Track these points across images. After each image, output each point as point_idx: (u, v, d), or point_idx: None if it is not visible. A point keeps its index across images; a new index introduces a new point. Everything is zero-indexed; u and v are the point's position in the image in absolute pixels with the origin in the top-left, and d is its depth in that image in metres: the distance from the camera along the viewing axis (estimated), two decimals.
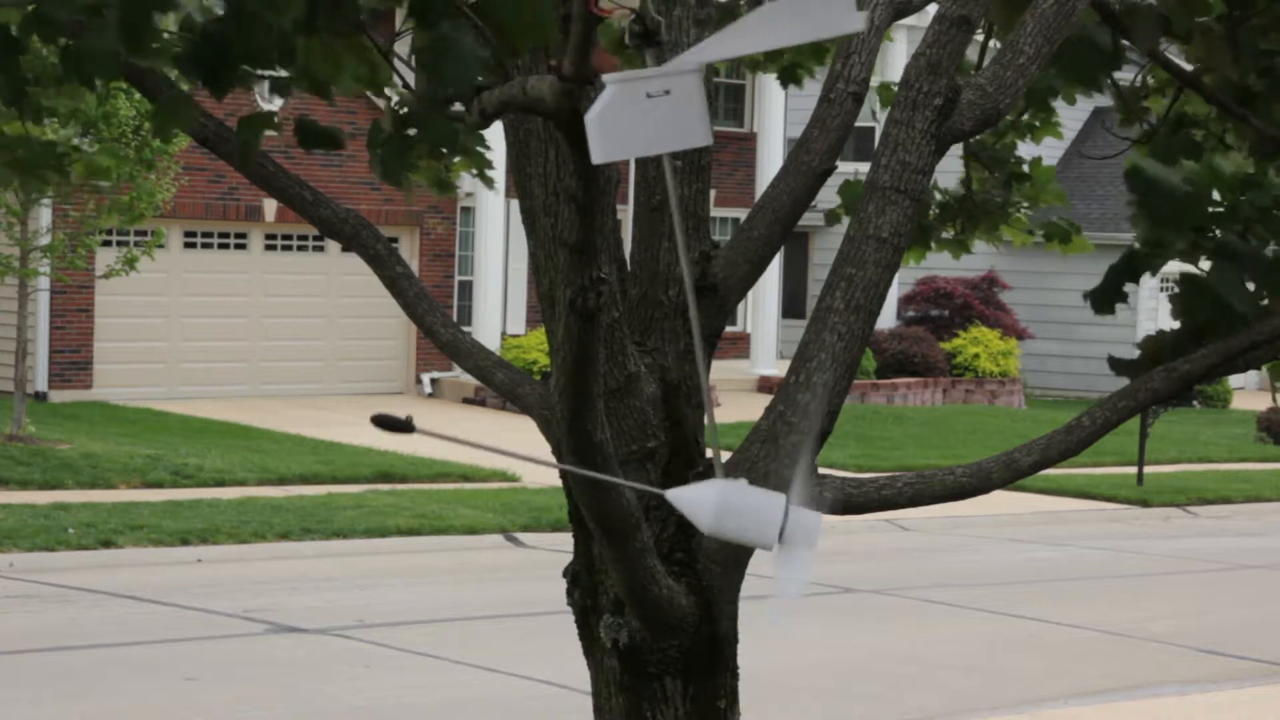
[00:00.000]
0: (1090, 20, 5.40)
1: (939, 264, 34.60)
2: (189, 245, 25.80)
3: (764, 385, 30.19)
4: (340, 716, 10.43)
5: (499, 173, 27.58)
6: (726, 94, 32.36)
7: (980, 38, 6.04)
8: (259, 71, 4.08)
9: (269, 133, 4.37)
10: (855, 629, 13.65)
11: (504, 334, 28.37)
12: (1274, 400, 5.62)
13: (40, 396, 23.95)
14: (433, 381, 27.87)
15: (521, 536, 16.94)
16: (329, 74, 4.02)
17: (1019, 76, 4.61)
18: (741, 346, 31.83)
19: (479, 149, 5.29)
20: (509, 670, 11.52)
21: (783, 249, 8.04)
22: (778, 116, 31.14)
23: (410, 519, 16.89)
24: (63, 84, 4.10)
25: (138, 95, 17.74)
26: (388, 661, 11.70)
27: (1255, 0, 5.39)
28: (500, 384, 4.82)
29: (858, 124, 5.13)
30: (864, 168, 6.90)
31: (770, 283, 30.88)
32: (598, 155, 3.02)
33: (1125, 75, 6.18)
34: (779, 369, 29.70)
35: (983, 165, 7.23)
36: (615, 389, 4.39)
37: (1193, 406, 34.90)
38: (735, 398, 28.23)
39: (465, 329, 7.27)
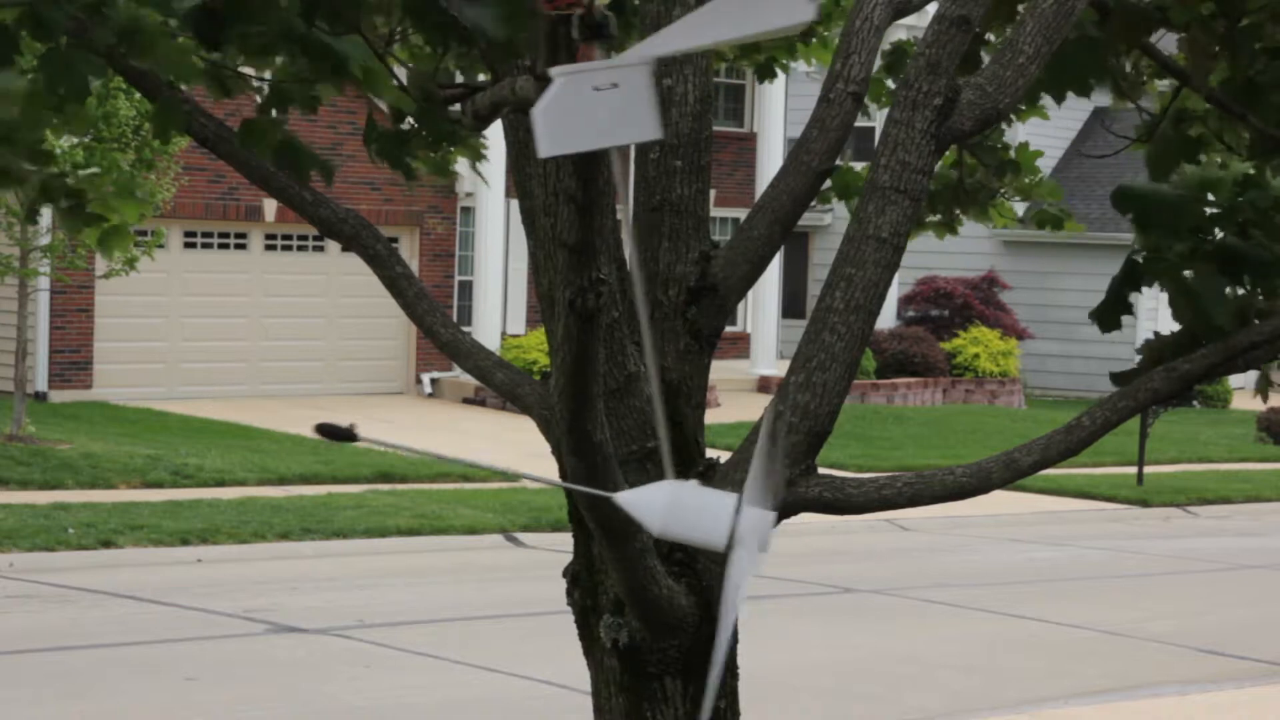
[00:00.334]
0: (1088, 18, 5.40)
1: (939, 264, 34.65)
2: (189, 245, 25.80)
3: (764, 385, 30.19)
4: (340, 716, 10.43)
5: (499, 173, 27.67)
6: (726, 94, 32.37)
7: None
8: (255, 77, 4.07)
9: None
10: (855, 629, 13.64)
11: (504, 334, 28.37)
12: (1263, 399, 5.61)
13: (40, 396, 23.95)
14: (433, 381, 27.87)
15: (521, 536, 16.94)
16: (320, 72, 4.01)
17: (1019, 76, 4.61)
18: (741, 346, 31.83)
19: (474, 140, 5.30)
20: (509, 670, 11.52)
21: (783, 249, 8.04)
22: (778, 116, 31.14)
23: (410, 519, 16.89)
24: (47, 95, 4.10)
25: (138, 95, 17.75)
26: (388, 661, 11.70)
27: None
28: (500, 384, 4.82)
29: (858, 124, 5.13)
30: (859, 167, 6.90)
31: (770, 283, 30.88)
32: (544, 148, 3.02)
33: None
34: (779, 369, 29.70)
35: (973, 153, 7.23)
36: (615, 389, 4.39)
37: (1193, 406, 34.90)
38: (735, 398, 28.23)
39: (465, 329, 7.27)
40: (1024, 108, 7.06)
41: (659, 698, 4.56)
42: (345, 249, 5.05)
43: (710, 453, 4.72)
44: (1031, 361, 35.70)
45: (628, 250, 4.65)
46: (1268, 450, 28.60)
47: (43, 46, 4.00)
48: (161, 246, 21.71)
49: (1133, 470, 23.74)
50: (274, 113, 4.37)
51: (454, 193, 27.73)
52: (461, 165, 5.16)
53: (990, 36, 6.15)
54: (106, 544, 15.07)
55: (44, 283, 22.67)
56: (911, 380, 32.02)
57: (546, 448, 4.56)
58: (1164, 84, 6.28)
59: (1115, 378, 4.94)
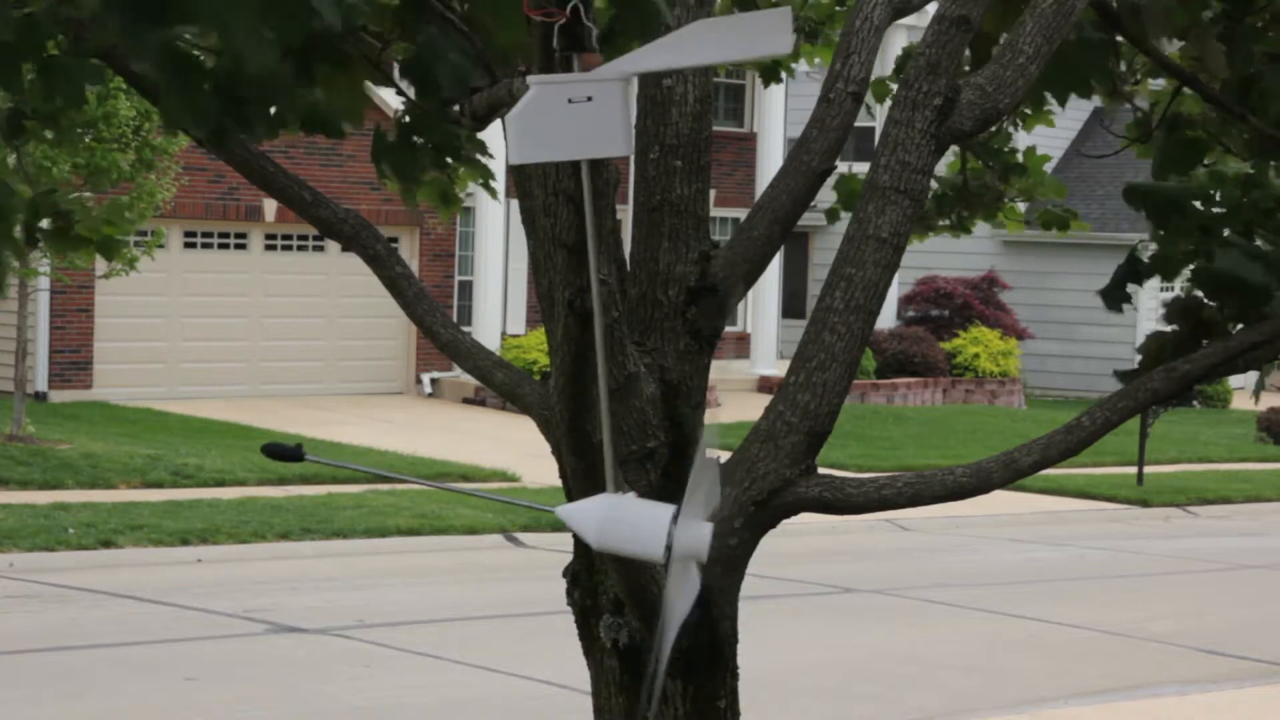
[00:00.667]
0: (1087, 18, 5.40)
1: (939, 264, 34.66)
2: (189, 245, 25.80)
3: (764, 385, 30.19)
4: (340, 716, 10.43)
5: (499, 173, 27.59)
6: (726, 94, 32.38)
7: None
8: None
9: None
10: (855, 629, 13.65)
11: (504, 334, 28.37)
12: (1256, 399, 5.62)
13: (40, 396, 23.95)
14: (433, 381, 27.87)
15: (521, 536, 16.94)
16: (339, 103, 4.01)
17: (1019, 76, 4.61)
18: (741, 346, 31.83)
19: (480, 157, 5.29)
20: (509, 670, 11.52)
21: (783, 249, 8.05)
22: (778, 116, 31.14)
23: (410, 519, 16.90)
24: (48, 100, 4.10)
25: (138, 95, 17.75)
26: (388, 661, 11.70)
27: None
28: (500, 384, 4.82)
29: (858, 124, 5.13)
30: (860, 167, 6.92)
31: (770, 283, 30.88)
32: (514, 155, 3.02)
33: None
34: (779, 369, 29.71)
35: (977, 156, 7.23)
36: (615, 389, 4.39)
37: (1193, 406, 34.90)
38: (735, 398, 28.24)
39: (465, 329, 7.27)
40: (1030, 112, 7.07)
41: (659, 698, 4.56)
42: (345, 249, 5.05)
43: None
44: (1031, 361, 35.70)
45: (628, 249, 4.66)
46: (1268, 450, 28.61)
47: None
48: (161, 246, 21.72)
49: (1133, 470, 23.74)
50: None
51: (490, 186, 27.71)
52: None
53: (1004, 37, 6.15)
54: (106, 544, 15.08)
55: (44, 283, 22.68)
56: (911, 380, 32.02)
57: (546, 448, 4.56)
58: (1157, 83, 6.29)
59: (1120, 376, 4.95)
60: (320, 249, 26.68)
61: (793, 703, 11.10)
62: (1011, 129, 7.38)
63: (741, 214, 25.02)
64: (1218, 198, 5.12)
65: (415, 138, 4.68)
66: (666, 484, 4.58)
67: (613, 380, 4.38)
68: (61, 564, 14.45)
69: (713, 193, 6.51)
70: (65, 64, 3.98)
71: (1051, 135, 35.34)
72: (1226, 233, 5.07)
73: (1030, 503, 21.50)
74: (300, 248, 26.80)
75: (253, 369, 26.45)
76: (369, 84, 4.56)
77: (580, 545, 4.66)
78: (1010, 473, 4.62)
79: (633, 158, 4.80)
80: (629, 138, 3.02)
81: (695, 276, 4.66)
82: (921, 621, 14.10)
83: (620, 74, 2.99)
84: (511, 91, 3.54)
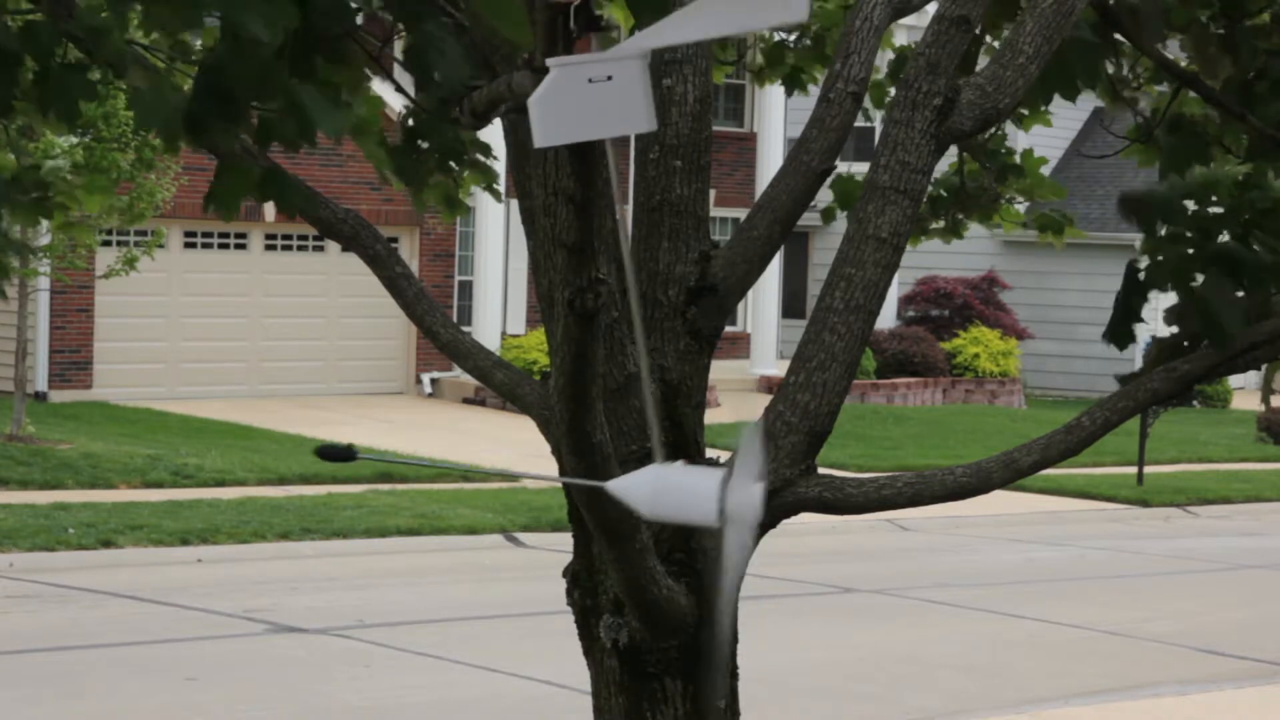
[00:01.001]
0: (1087, 19, 5.40)
1: (939, 264, 34.65)
2: (189, 245, 25.80)
3: (764, 385, 30.18)
4: (340, 716, 10.43)
5: (500, 174, 27.57)
6: (726, 94, 32.37)
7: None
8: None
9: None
10: (855, 629, 13.65)
11: (504, 334, 28.37)
12: (1265, 405, 5.63)
13: (40, 396, 23.95)
14: (433, 381, 27.87)
15: (521, 536, 16.94)
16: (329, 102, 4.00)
17: (1019, 76, 4.61)
18: (741, 346, 31.83)
19: (484, 160, 5.29)
20: (509, 670, 11.52)
21: (783, 249, 8.03)
22: (778, 116, 31.13)
23: (410, 519, 16.89)
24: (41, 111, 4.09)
25: None
26: (388, 661, 11.70)
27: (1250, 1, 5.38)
28: (500, 384, 4.82)
29: (858, 124, 5.13)
30: (858, 167, 6.91)
31: (770, 283, 30.87)
32: (539, 139, 3.03)
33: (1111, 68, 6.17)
34: (779, 369, 29.70)
35: (975, 157, 7.22)
36: (615, 389, 4.39)
37: (1193, 406, 34.90)
38: (735, 398, 28.23)
39: (465, 329, 7.27)
40: (1026, 113, 7.06)
41: (659, 698, 4.56)
42: (345, 249, 5.05)
43: (710, 453, 4.72)
44: (1031, 361, 35.70)
45: (625, 250, 4.65)
46: (1268, 450, 28.60)
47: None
48: (161, 246, 21.72)
49: (1133, 470, 23.74)
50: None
51: (494, 189, 27.71)
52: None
53: (989, 39, 6.15)
54: (106, 544, 15.07)
55: (44, 283, 22.66)
56: (911, 380, 32.02)
57: (547, 448, 4.56)
58: (1160, 87, 6.28)
59: (1122, 380, 4.94)
60: (320, 249, 26.67)
61: (793, 703, 11.10)
62: (1009, 130, 7.37)
63: (741, 214, 25.01)
64: (1213, 199, 5.11)
65: (420, 141, 4.67)
66: None
67: (612, 380, 4.38)
68: (61, 564, 14.45)
69: (713, 193, 6.50)
70: (59, 77, 3.97)
71: (1051, 135, 35.33)
72: (1222, 237, 5.07)
73: (1030, 503, 21.50)
74: (300, 248, 26.80)
75: (253, 369, 26.45)
76: (371, 86, 4.55)
77: (580, 545, 4.66)
78: (1010, 473, 4.62)
79: (633, 158, 4.80)
80: (652, 113, 3.02)
81: (695, 276, 4.66)
82: (921, 621, 14.10)
83: (639, 50, 3.00)
84: (511, 86, 3.53)
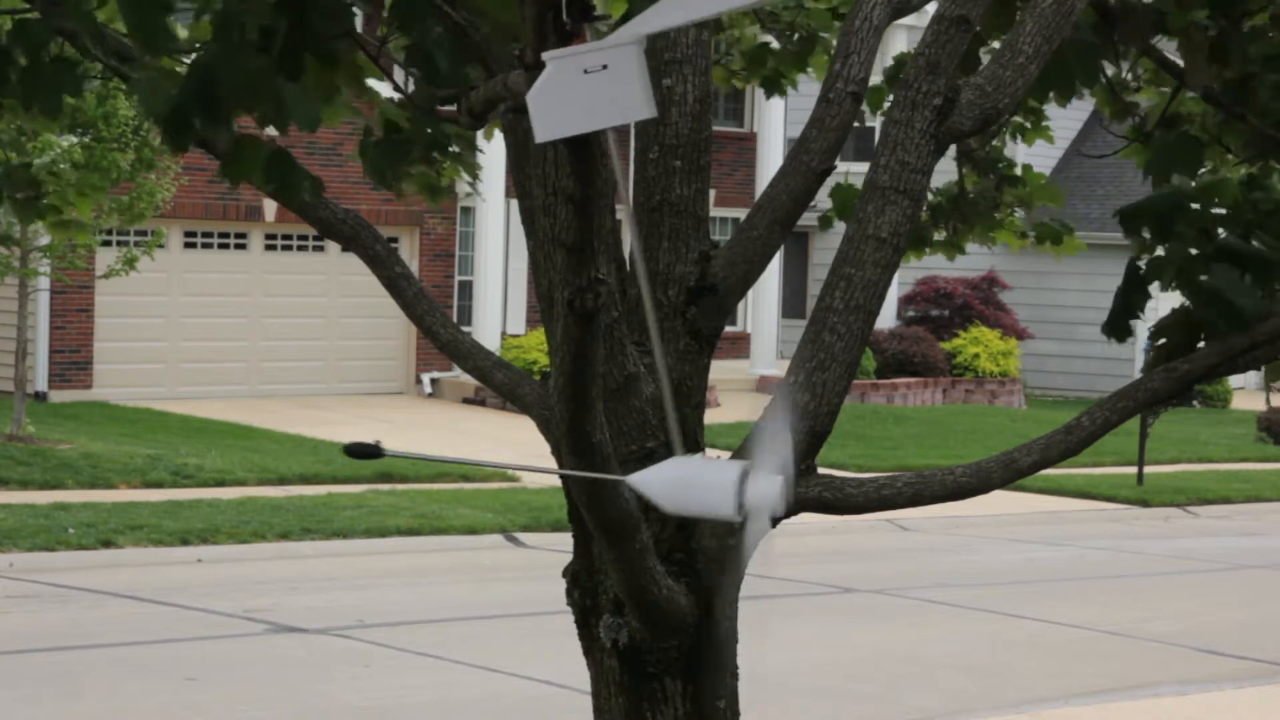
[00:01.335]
0: (1086, 19, 5.40)
1: (939, 264, 34.60)
2: (189, 245, 25.80)
3: (764, 385, 30.18)
4: (340, 716, 10.43)
5: (499, 173, 27.64)
6: (726, 94, 32.37)
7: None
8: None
9: (269, 132, 4.36)
10: (855, 629, 13.64)
11: (504, 334, 28.37)
12: (1267, 402, 5.63)
13: (40, 396, 23.95)
14: (433, 381, 27.87)
15: (521, 536, 16.94)
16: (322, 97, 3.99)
17: (1018, 76, 4.61)
18: (741, 346, 31.82)
19: (469, 153, 5.28)
20: (509, 670, 11.52)
21: (783, 249, 8.04)
22: (778, 116, 31.13)
23: (410, 519, 16.89)
24: (27, 109, 4.09)
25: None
26: (388, 661, 11.70)
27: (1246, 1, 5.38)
28: (500, 384, 4.82)
29: (858, 124, 5.13)
30: (857, 167, 6.89)
31: (770, 283, 30.87)
32: (540, 134, 3.02)
33: (1110, 69, 6.17)
34: (779, 369, 29.70)
35: (975, 167, 7.22)
36: (615, 389, 4.39)
37: (1193, 406, 34.89)
38: (735, 398, 28.23)
39: (465, 329, 7.28)
40: (1029, 127, 7.05)
41: (659, 698, 4.56)
42: (345, 249, 5.05)
43: (710, 452, 4.72)
44: (1031, 361, 35.70)
45: (628, 249, 4.65)
46: (1268, 450, 28.59)
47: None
48: (161, 246, 21.71)
49: (1133, 470, 23.74)
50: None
51: (454, 193, 27.74)
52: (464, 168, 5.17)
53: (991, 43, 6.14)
54: (106, 544, 15.07)
55: (44, 283, 22.67)
56: (911, 380, 32.02)
57: (547, 448, 4.56)
58: (1160, 89, 6.28)
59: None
60: (320, 249, 26.68)
61: (793, 703, 11.10)
62: (1011, 141, 7.37)
63: (741, 214, 25.02)
64: (1215, 201, 5.11)
65: (401, 134, 4.66)
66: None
67: (612, 380, 4.38)
68: (61, 564, 14.45)
69: (713, 193, 6.51)
70: (46, 72, 3.97)
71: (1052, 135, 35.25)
72: (1222, 234, 5.07)
73: (1030, 503, 21.50)
74: (300, 248, 26.80)
75: (253, 369, 26.45)
76: (368, 85, 4.55)
77: (580, 545, 4.66)
78: (1010, 473, 4.62)
79: (632, 158, 4.80)
80: (651, 99, 3.01)
81: (695, 276, 4.66)
82: (921, 621, 14.10)
83: (634, 37, 2.99)
84: (507, 86, 3.53)
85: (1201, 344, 4.90)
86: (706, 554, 4.55)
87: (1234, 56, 5.38)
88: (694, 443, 4.68)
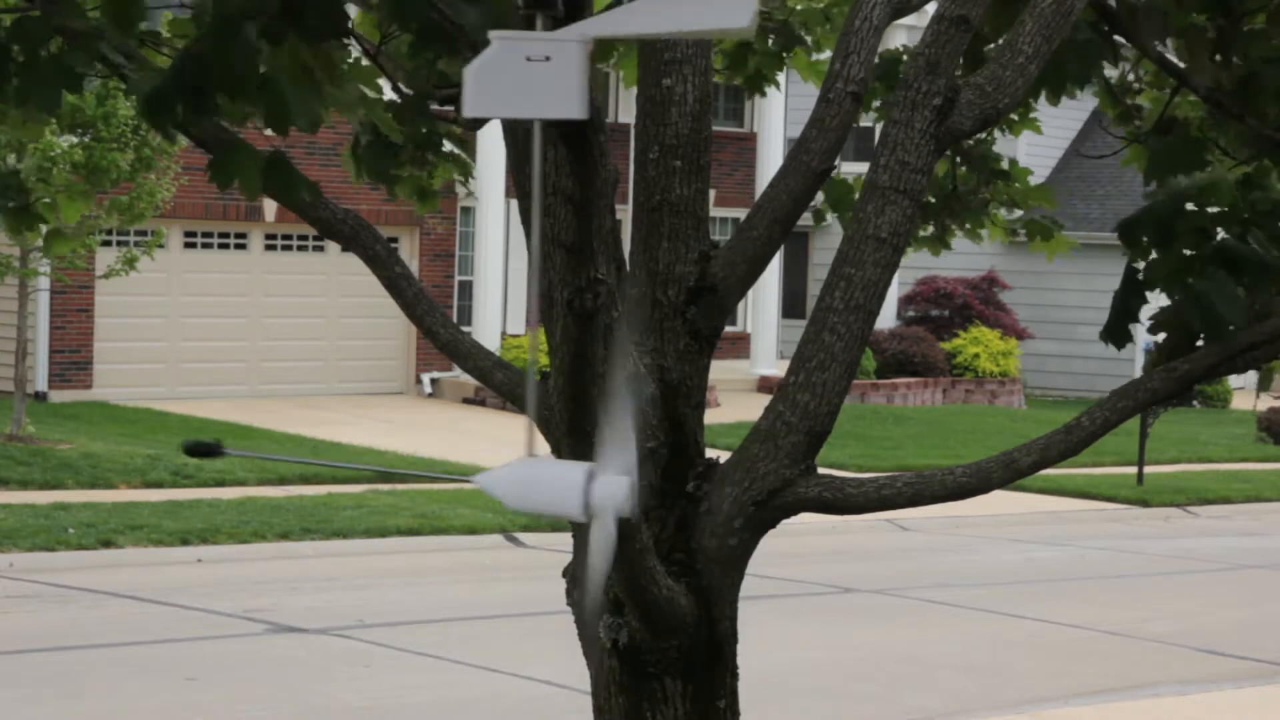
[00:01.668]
0: (1085, 19, 5.40)
1: (939, 264, 34.59)
2: (189, 245, 25.80)
3: (764, 385, 30.18)
4: (340, 716, 10.43)
5: (499, 173, 27.64)
6: (726, 94, 32.37)
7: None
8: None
9: (267, 132, 4.36)
10: (855, 629, 13.64)
11: (504, 334, 28.37)
12: (1255, 404, 5.64)
13: (40, 396, 23.95)
14: (433, 381, 27.87)
15: (521, 536, 16.94)
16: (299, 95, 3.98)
17: (1018, 76, 4.61)
18: (741, 346, 31.82)
19: (461, 154, 5.28)
20: (509, 670, 11.52)
21: (783, 249, 8.02)
22: (778, 116, 31.13)
23: (410, 519, 16.89)
24: (22, 103, 4.09)
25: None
26: (388, 661, 11.70)
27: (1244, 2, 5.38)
28: (500, 384, 4.82)
29: (858, 124, 5.12)
30: (854, 167, 6.87)
31: (770, 283, 30.87)
32: (469, 109, 3.04)
33: (1112, 72, 6.16)
34: (779, 369, 29.69)
35: (967, 162, 7.20)
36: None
37: (1193, 406, 34.89)
38: (735, 398, 28.23)
39: (465, 329, 7.29)
40: (1016, 119, 7.04)
41: (659, 698, 4.56)
42: (345, 249, 5.05)
43: (710, 453, 4.72)
44: (1031, 361, 35.70)
45: (628, 249, 4.65)
46: (1268, 450, 28.59)
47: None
48: (161, 246, 21.71)
49: (1133, 470, 23.74)
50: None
51: (454, 193, 27.74)
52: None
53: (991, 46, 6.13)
54: (106, 544, 15.07)
55: (44, 283, 22.66)
56: (911, 380, 32.02)
57: (547, 448, 4.56)
58: (1161, 91, 6.27)
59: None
60: (320, 249, 26.67)
61: (793, 703, 11.10)
62: (998, 134, 7.35)
63: (741, 214, 25.02)
64: (1213, 200, 5.11)
65: (391, 136, 4.66)
66: (666, 484, 4.59)
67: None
68: (61, 564, 14.45)
69: (713, 193, 6.51)
70: (44, 67, 3.97)
71: (1051, 135, 35.29)
72: (1219, 235, 5.07)
73: (1030, 503, 21.50)
74: (300, 248, 26.80)
75: (253, 369, 26.45)
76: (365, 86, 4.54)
77: (580, 545, 4.66)
78: (1010, 473, 4.62)
79: (632, 157, 4.80)
80: (585, 100, 3.02)
81: (695, 276, 4.66)
82: (921, 621, 14.10)
83: (580, 36, 3.01)
84: None
85: (1201, 344, 4.90)
86: (706, 554, 4.55)
87: (1233, 57, 5.38)
88: (694, 443, 4.68)
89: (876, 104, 7.14)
